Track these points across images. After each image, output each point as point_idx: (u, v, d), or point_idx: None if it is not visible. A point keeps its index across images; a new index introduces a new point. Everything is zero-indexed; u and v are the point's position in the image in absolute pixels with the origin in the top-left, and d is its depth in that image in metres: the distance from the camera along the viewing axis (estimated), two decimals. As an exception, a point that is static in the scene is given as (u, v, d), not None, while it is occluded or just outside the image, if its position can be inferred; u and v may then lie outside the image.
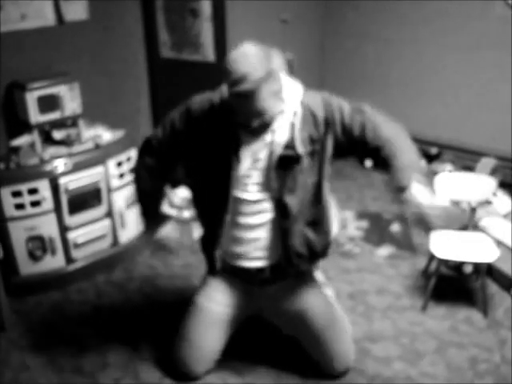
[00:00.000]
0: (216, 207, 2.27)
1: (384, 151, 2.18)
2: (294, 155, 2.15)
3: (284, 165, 2.16)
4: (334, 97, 2.24)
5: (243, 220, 2.27)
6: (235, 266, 2.38)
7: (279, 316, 2.51)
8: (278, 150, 2.14)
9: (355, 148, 2.25)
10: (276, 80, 2.03)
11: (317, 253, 2.38)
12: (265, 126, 2.12)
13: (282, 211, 2.22)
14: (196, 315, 2.47)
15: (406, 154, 2.17)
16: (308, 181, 2.21)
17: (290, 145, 2.14)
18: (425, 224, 2.11)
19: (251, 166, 2.19)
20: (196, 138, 2.23)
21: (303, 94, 2.20)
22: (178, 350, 2.50)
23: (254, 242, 2.29)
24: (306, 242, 2.30)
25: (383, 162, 2.20)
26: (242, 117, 2.08)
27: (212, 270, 2.46)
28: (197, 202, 2.43)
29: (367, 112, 2.23)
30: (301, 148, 2.15)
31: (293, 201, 2.20)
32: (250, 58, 1.96)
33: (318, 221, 2.33)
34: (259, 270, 2.35)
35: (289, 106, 2.15)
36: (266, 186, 2.20)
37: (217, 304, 2.44)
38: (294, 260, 2.31)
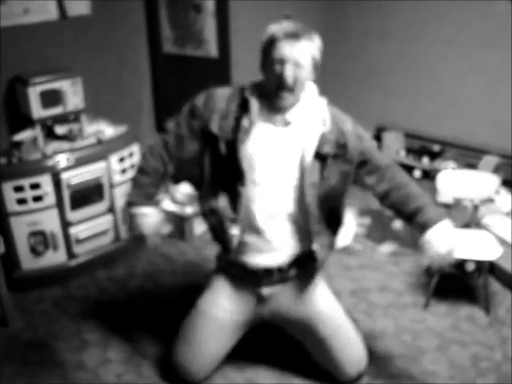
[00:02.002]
0: (232, 180, 2.22)
1: (406, 192, 2.25)
2: (323, 153, 2.17)
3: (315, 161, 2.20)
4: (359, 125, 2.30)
5: (261, 207, 2.22)
6: (243, 264, 2.32)
7: (286, 322, 2.46)
8: (312, 147, 2.16)
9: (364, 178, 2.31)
10: (318, 49, 2.11)
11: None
12: (292, 93, 2.10)
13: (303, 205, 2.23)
14: (199, 320, 2.41)
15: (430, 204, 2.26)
16: (329, 180, 2.23)
17: (320, 142, 2.17)
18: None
19: (268, 149, 2.19)
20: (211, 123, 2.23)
21: (328, 104, 2.25)
22: (178, 355, 2.44)
23: (270, 233, 2.25)
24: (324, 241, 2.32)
25: (400, 202, 2.25)
26: (275, 76, 2.06)
27: (226, 251, 2.37)
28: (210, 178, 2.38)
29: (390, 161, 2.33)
30: (327, 148, 2.17)
31: (313, 195, 2.21)
32: (286, 22, 2.10)
33: (335, 219, 2.36)
34: (267, 272, 2.31)
35: (315, 107, 2.20)
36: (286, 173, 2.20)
37: (221, 310, 2.38)
38: (318, 255, 2.30)
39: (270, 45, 2.08)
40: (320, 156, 2.18)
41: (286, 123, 2.17)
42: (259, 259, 2.30)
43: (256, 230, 2.25)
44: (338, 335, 2.38)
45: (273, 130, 2.19)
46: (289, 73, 2.04)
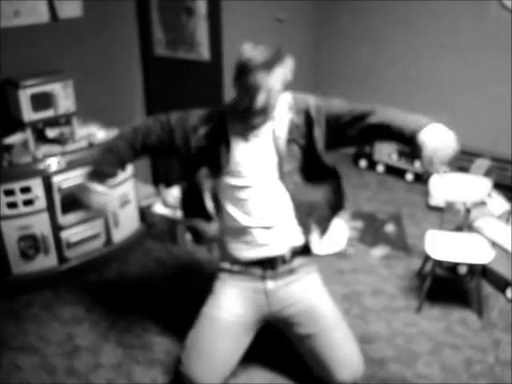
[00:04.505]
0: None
1: (381, 115, 2.32)
2: (296, 141, 2.29)
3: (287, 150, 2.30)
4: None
5: (250, 208, 2.32)
6: (247, 258, 2.39)
7: (286, 318, 2.44)
8: (283, 136, 2.28)
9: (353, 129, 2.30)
10: (284, 67, 2.17)
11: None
12: (264, 114, 2.21)
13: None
14: (208, 326, 2.37)
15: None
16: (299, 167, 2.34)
17: (290, 131, 2.29)
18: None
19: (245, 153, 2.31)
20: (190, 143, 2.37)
21: (291, 93, 2.35)
22: (188, 365, 2.34)
23: (265, 231, 2.33)
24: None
25: (382, 122, 2.30)
26: (247, 98, 2.16)
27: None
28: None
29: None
30: (297, 133, 2.29)
31: (290, 185, 2.33)
32: (261, 47, 2.17)
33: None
34: (270, 263, 2.37)
35: (281, 104, 2.31)
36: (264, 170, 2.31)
37: (229, 313, 2.37)
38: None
39: (243, 71, 2.14)
40: (294, 141, 2.29)
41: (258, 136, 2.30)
42: (261, 251, 2.36)
43: (256, 227, 2.34)
44: (333, 333, 2.36)
45: (246, 141, 2.31)
46: (262, 100, 2.14)
